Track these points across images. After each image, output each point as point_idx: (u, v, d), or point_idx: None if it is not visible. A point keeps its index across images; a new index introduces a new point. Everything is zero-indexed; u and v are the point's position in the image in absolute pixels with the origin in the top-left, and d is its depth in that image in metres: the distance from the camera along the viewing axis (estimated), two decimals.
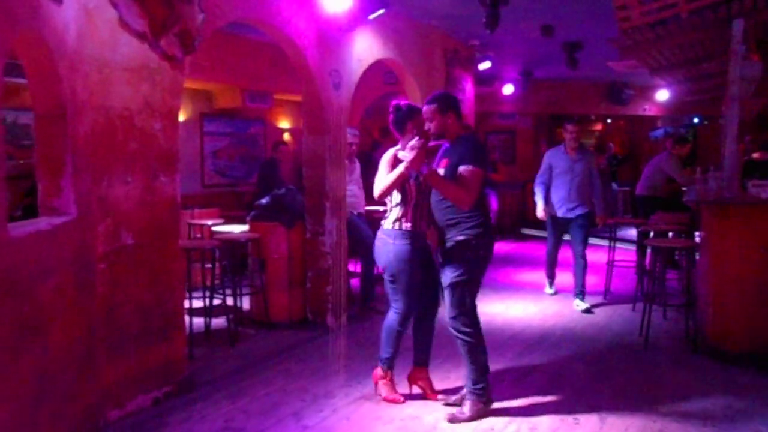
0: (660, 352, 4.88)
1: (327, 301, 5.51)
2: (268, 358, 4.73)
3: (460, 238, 3.46)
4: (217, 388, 4.10)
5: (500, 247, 10.31)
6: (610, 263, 6.63)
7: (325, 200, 5.44)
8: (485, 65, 8.54)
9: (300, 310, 5.66)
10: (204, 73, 6.94)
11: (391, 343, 3.81)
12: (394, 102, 3.74)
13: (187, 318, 4.29)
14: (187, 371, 4.05)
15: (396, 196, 3.71)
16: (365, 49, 5.92)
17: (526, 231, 11.73)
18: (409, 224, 3.68)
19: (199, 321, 5.20)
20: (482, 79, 9.43)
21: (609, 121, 16.28)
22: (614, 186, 12.99)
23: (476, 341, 3.60)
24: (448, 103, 3.57)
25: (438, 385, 4.02)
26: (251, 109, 8.39)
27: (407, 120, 3.71)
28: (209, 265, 5.60)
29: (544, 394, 4.01)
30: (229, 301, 5.50)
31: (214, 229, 6.33)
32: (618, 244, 7.00)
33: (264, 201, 5.70)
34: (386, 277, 3.74)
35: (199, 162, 8.19)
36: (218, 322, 5.67)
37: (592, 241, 7.26)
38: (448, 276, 3.54)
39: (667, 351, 4.90)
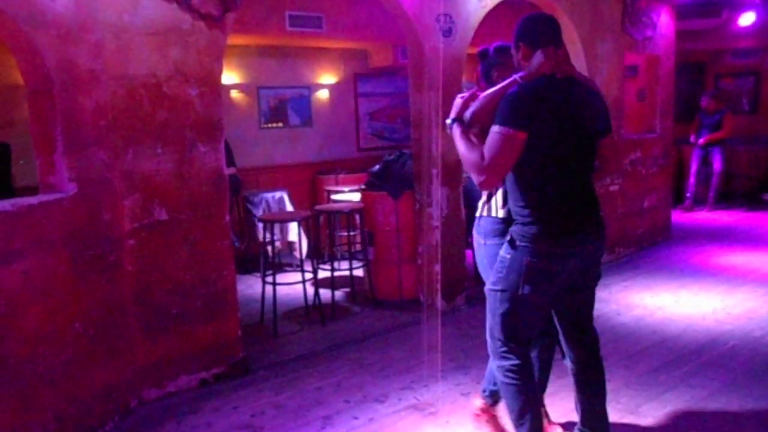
0: None
1: (436, 281, 4.87)
2: (350, 343, 4.31)
3: (509, 237, 2.45)
4: (272, 374, 3.81)
5: (717, 218, 8.38)
6: None
7: (432, 167, 4.74)
8: None
9: (412, 288, 5.11)
10: (357, 30, 6.60)
11: None
12: (482, 47, 2.84)
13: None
14: (242, 353, 3.82)
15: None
16: None
17: None
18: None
19: (310, 293, 4.97)
20: (695, 8, 7.51)
21: None
22: None
23: (517, 382, 2.50)
24: (517, 34, 2.49)
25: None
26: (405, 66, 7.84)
27: (492, 68, 2.79)
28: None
29: None
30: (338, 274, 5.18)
31: (334, 198, 6.04)
32: None
33: (376, 168, 5.21)
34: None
35: (354, 124, 7.96)
36: (339, 294, 5.44)
37: None
38: (487, 280, 2.61)
39: None
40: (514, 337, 2.48)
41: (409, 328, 4.54)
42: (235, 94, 6.91)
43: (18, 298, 2.63)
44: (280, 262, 6.51)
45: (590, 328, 2.66)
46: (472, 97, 2.45)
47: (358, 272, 5.57)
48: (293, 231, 6.19)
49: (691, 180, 8.89)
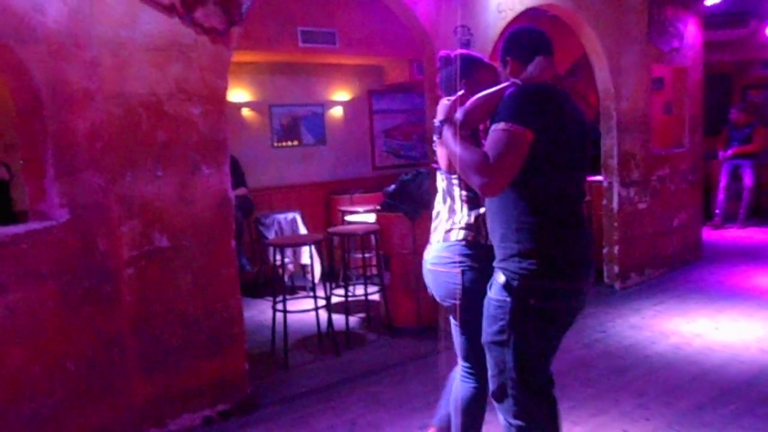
0: None
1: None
2: (365, 375, 4.04)
3: (499, 275, 2.09)
4: (282, 411, 3.55)
5: (749, 235, 8.01)
6: None
7: None
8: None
9: (431, 315, 4.82)
10: (371, 46, 6.42)
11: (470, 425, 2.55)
12: (442, 53, 2.60)
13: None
14: (249, 388, 3.57)
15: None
16: None
17: None
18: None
19: (323, 319, 4.71)
20: (723, 18, 7.23)
21: None
22: None
23: None
24: (505, 48, 2.29)
25: None
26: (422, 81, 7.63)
27: (457, 79, 2.47)
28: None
29: None
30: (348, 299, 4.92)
31: (348, 219, 5.79)
32: None
33: (391, 188, 4.96)
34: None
35: (369, 142, 7.73)
36: (354, 321, 5.18)
37: None
38: (484, 330, 2.18)
39: None
40: (530, 390, 2.12)
41: (429, 359, 4.25)
42: (246, 112, 6.73)
43: (0, 336, 2.41)
44: (293, 285, 6.28)
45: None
46: (461, 100, 2.19)
47: (374, 296, 5.31)
48: (306, 254, 5.95)
49: (720, 196, 8.53)
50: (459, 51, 2.55)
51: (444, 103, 2.27)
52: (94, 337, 2.93)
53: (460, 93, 2.25)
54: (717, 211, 8.55)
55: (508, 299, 2.04)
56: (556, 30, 7.58)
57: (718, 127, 8.70)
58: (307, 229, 6.21)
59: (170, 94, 3.19)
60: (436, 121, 2.22)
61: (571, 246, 2.08)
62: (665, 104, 6.99)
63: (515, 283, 2.03)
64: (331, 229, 5.11)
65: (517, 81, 2.10)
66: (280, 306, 4.43)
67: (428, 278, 2.56)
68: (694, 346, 4.23)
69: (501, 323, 2.07)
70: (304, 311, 4.82)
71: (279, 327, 4.46)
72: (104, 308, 2.98)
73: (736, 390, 3.52)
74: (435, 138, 2.30)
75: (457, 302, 2.39)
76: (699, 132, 6.76)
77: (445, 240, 2.46)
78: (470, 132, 2.13)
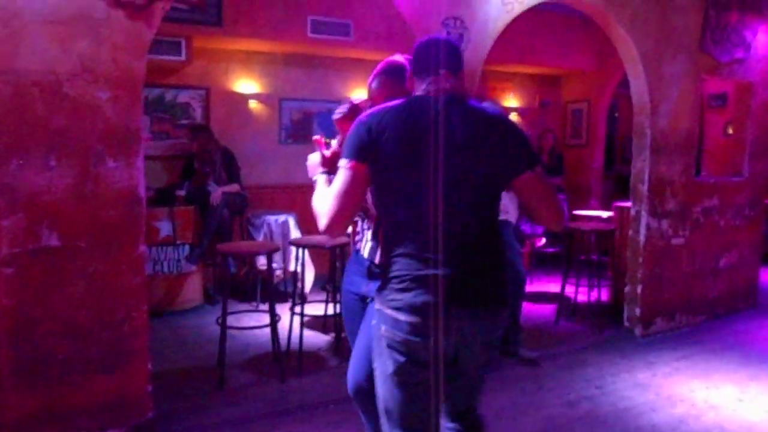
0: None
1: None
2: (303, 409, 3.53)
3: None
4: None
5: None
6: None
7: None
8: None
9: None
10: (390, 39, 5.91)
11: None
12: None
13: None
14: (151, 413, 3.14)
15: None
16: None
17: None
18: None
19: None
20: None
21: None
22: None
23: None
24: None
25: None
26: None
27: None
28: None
29: None
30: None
31: None
32: None
33: None
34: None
35: None
36: (323, 340, 4.69)
37: None
38: None
39: None
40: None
41: None
42: (254, 104, 6.37)
43: None
44: (285, 290, 5.86)
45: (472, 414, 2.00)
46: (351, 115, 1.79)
47: None
48: (295, 260, 5.50)
49: None
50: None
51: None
52: None
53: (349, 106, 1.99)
54: None
55: (374, 322, 1.92)
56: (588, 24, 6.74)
57: None
58: (302, 233, 5.76)
59: (73, 74, 2.80)
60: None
61: (422, 275, 1.77)
62: (726, 125, 6.05)
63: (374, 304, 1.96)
64: (292, 240, 4.65)
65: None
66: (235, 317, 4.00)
67: None
68: (704, 422, 3.45)
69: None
70: (251, 328, 4.38)
71: (237, 340, 4.04)
72: None
73: None
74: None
75: None
76: (764, 160, 5.80)
77: None
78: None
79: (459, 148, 1.73)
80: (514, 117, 8.21)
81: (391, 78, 2.22)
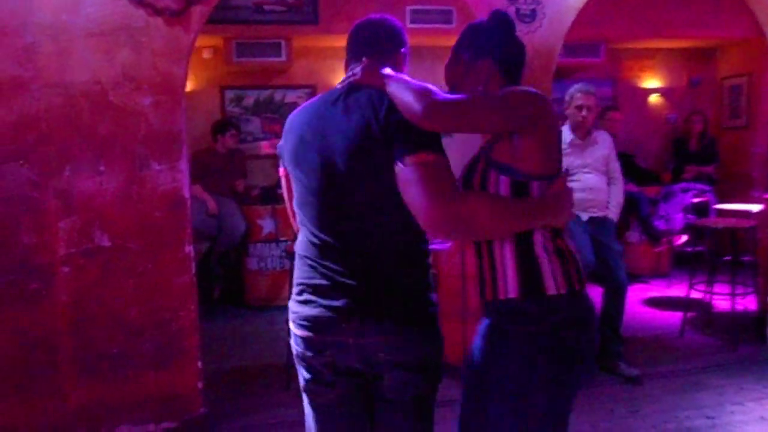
0: None
1: None
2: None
3: None
4: None
5: None
6: None
7: None
8: None
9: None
10: None
11: None
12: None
13: None
14: (202, 409, 3.21)
15: None
16: None
17: None
18: None
19: None
20: None
21: None
22: None
23: None
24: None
25: None
26: (573, 65, 6.37)
27: None
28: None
29: None
30: None
31: None
32: None
33: None
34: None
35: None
36: None
37: None
38: None
39: None
40: None
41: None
42: None
43: None
44: None
45: None
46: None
47: None
48: None
49: None
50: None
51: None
52: (18, 336, 2.86)
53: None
54: None
55: None
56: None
57: None
58: None
59: (117, 83, 2.94)
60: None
61: (313, 284, 1.60)
62: None
63: None
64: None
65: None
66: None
67: None
68: None
69: None
70: None
71: None
72: (30, 306, 2.88)
73: None
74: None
75: None
76: None
77: None
78: None
79: (341, 148, 1.52)
80: (654, 99, 7.30)
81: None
